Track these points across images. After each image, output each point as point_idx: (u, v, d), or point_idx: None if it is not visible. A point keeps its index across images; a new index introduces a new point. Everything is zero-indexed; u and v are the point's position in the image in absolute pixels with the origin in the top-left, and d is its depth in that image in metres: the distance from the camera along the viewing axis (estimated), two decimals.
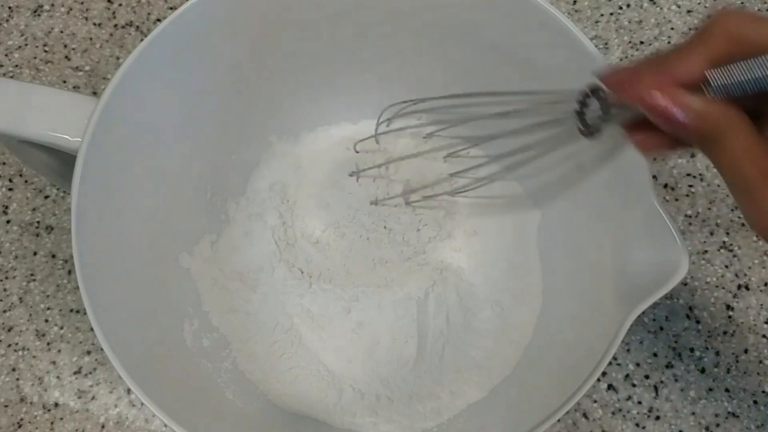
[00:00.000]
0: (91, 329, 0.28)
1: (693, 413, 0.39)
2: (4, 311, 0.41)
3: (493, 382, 0.37)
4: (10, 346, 0.40)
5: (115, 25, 0.48)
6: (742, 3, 0.48)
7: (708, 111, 0.22)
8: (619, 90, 0.24)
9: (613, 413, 0.39)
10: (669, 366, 0.40)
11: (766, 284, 0.42)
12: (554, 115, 0.27)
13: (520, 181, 0.41)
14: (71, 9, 0.49)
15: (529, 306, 0.39)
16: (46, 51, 0.47)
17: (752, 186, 0.22)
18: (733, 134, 0.22)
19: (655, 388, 0.40)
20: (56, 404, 0.39)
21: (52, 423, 0.39)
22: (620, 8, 0.48)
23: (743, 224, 0.43)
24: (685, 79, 0.23)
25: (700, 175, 0.44)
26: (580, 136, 0.26)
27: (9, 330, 0.41)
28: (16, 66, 0.47)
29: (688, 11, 0.48)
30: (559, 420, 0.29)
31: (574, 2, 0.48)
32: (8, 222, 0.43)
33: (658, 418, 0.39)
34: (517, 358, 0.38)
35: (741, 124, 0.22)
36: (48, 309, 0.41)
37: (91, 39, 0.48)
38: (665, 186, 0.44)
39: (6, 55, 0.47)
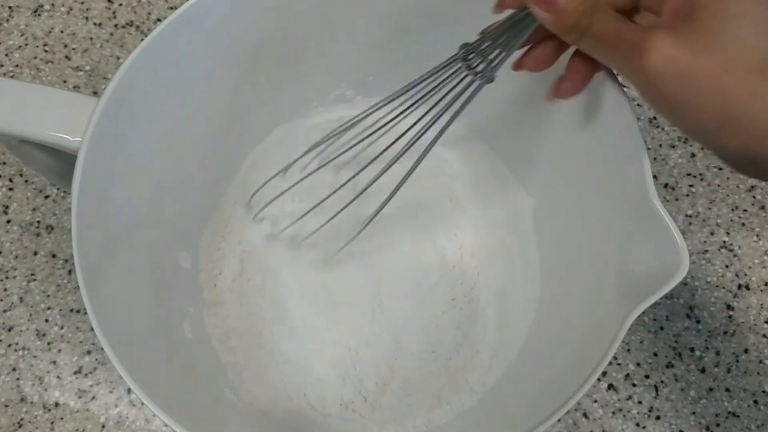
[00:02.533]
0: (92, 329, 0.28)
1: (693, 413, 0.39)
2: (5, 311, 0.41)
3: (494, 379, 0.37)
4: (10, 345, 0.40)
5: (116, 25, 0.48)
6: None
7: None
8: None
9: (613, 413, 0.39)
10: (669, 366, 0.40)
11: (766, 284, 0.42)
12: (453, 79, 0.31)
13: (510, 166, 0.41)
14: (71, 9, 0.49)
15: (528, 297, 0.39)
16: (46, 51, 0.47)
17: (629, 38, 0.22)
18: (601, 11, 0.24)
19: (656, 388, 0.40)
20: (56, 404, 0.39)
21: (52, 423, 0.39)
22: None
23: (743, 224, 0.43)
24: None
25: (700, 175, 0.44)
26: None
27: (9, 330, 0.41)
28: (17, 66, 0.47)
29: None
30: (559, 420, 0.29)
31: None
32: (8, 222, 0.43)
33: (658, 417, 0.39)
34: (516, 355, 0.38)
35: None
36: (48, 309, 0.41)
37: (91, 39, 0.48)
38: (665, 186, 0.44)
39: (6, 55, 0.47)
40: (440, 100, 0.32)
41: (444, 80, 0.32)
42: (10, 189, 0.44)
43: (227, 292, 0.40)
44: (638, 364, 0.40)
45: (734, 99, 0.21)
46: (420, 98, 0.33)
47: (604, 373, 0.40)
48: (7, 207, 0.44)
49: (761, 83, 0.21)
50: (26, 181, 0.44)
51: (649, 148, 0.44)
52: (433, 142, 0.34)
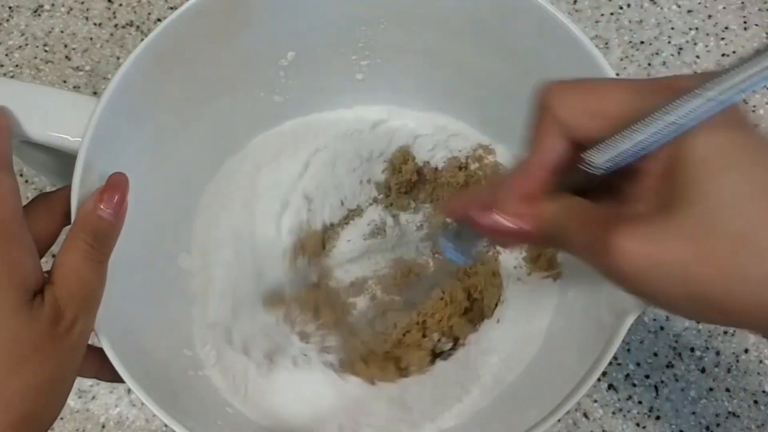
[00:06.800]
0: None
1: (693, 413, 0.39)
2: None
3: (498, 384, 0.37)
4: None
5: (116, 25, 0.48)
6: (742, 2, 0.48)
7: (543, 210, 0.23)
8: (454, 216, 0.26)
9: (613, 413, 0.39)
10: (669, 366, 0.40)
11: None
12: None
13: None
14: (71, 9, 0.49)
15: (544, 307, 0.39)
16: (46, 51, 0.47)
17: (596, 241, 0.21)
18: (567, 220, 0.22)
19: (656, 388, 0.40)
20: None
21: None
22: (620, 8, 0.48)
23: None
24: (534, 188, 0.23)
25: None
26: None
27: None
28: (17, 66, 0.47)
29: (689, 11, 0.48)
30: (559, 420, 0.29)
31: (575, 2, 0.48)
32: None
33: (658, 417, 0.39)
34: (528, 360, 0.37)
35: (570, 208, 0.22)
36: None
37: (91, 39, 0.48)
38: None
39: (6, 55, 0.47)
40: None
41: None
42: None
43: (227, 291, 0.39)
44: (638, 364, 0.40)
45: (710, 284, 0.19)
46: None
47: (604, 373, 0.40)
48: None
49: (737, 263, 0.19)
50: (26, 181, 0.44)
51: None
52: None
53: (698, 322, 0.41)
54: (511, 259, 0.39)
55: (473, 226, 0.24)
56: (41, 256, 0.29)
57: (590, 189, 0.23)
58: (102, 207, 0.29)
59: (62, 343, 0.26)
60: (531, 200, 0.23)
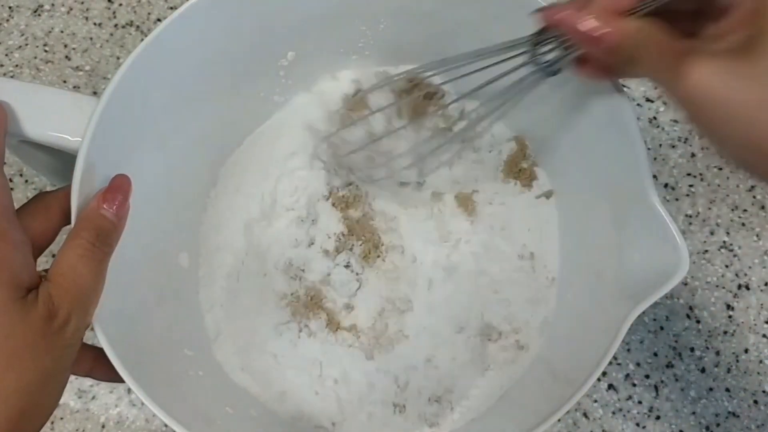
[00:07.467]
0: (92, 329, 0.28)
1: (693, 413, 0.39)
2: None
3: (499, 385, 0.37)
4: None
5: (116, 25, 0.48)
6: None
7: (628, 25, 0.24)
8: (546, 18, 0.27)
9: (613, 413, 0.39)
10: (669, 366, 0.40)
11: (766, 284, 0.42)
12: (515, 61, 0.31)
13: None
14: (71, 9, 0.49)
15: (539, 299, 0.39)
16: (46, 51, 0.47)
17: (672, 64, 0.23)
18: (648, 38, 0.24)
19: (656, 388, 0.40)
20: None
21: (52, 423, 0.39)
22: None
23: (743, 224, 0.43)
24: (621, 4, 0.25)
25: (700, 175, 0.44)
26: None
27: None
28: (17, 66, 0.47)
29: None
30: (559, 420, 0.29)
31: None
32: None
33: (658, 417, 0.39)
34: (529, 361, 0.37)
35: (653, 28, 0.24)
36: None
37: (91, 39, 0.48)
38: (665, 186, 0.44)
39: (6, 55, 0.47)
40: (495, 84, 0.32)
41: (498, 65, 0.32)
42: (11, 189, 0.44)
43: (227, 291, 0.39)
44: (638, 364, 0.40)
45: None
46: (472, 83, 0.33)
47: (604, 373, 0.40)
48: None
49: None
50: (26, 181, 0.44)
51: (649, 148, 0.44)
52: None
53: (698, 321, 0.41)
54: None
55: (565, 28, 0.26)
56: (38, 255, 0.29)
57: (674, 25, 0.24)
58: (105, 207, 0.29)
59: (56, 340, 0.26)
60: (618, 15, 0.25)
